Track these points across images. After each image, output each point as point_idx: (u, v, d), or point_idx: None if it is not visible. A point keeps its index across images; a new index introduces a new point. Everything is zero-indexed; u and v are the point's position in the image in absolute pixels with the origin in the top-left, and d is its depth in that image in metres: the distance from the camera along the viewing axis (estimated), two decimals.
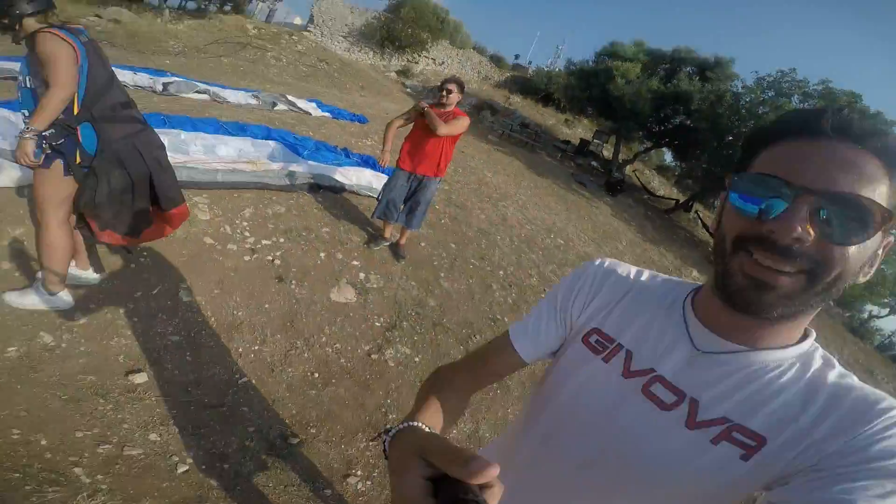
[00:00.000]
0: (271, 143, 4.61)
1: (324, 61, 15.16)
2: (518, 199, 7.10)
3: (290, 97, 7.67)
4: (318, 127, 6.48)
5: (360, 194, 4.28)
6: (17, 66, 2.67)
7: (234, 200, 3.22)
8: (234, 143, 4.33)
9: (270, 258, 2.72)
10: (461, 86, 3.07)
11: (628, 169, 16.57)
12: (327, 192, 4.05)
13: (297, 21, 23.57)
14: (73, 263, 1.94)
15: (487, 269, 3.97)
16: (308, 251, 2.96)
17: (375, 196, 3.65)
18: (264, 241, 2.87)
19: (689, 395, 0.51)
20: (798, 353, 0.50)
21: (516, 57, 26.32)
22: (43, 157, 1.65)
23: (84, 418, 1.48)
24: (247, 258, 2.65)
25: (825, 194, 0.42)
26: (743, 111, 10.56)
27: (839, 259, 0.43)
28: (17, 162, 1.63)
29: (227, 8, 16.88)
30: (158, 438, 1.52)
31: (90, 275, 2.04)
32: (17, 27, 1.60)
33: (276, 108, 6.99)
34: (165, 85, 6.12)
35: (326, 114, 7.76)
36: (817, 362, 0.50)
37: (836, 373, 0.49)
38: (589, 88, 14.92)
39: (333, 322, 2.39)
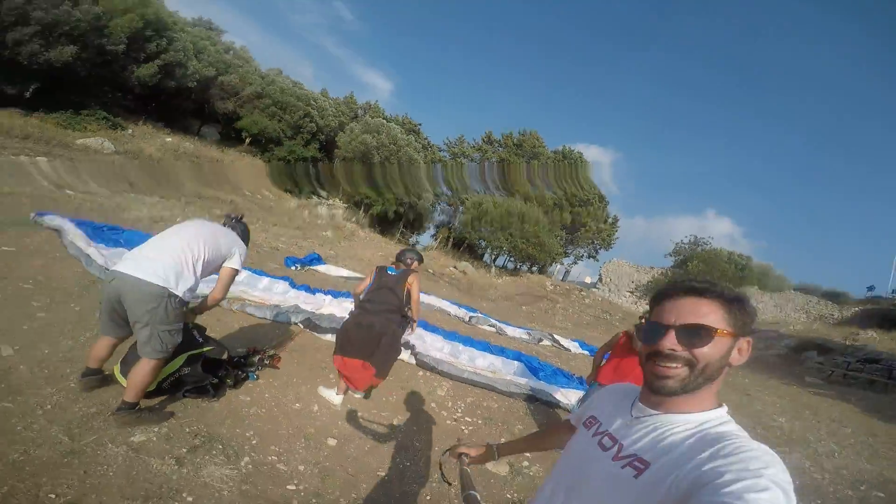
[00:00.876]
0: (516, 362, 5.84)
1: (607, 312, 16.85)
2: (817, 447, 5.53)
3: (555, 335, 9.14)
4: (568, 360, 7.37)
5: (571, 410, 4.65)
6: None
7: (464, 389, 4.41)
8: (489, 358, 5.83)
9: (464, 428, 3.55)
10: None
11: None
12: (541, 404, 4.68)
13: (588, 280, 26.83)
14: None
15: None
16: (493, 434, 3.59)
17: None
18: (467, 419, 3.77)
19: (619, 442, 0.84)
20: (701, 419, 0.79)
21: (870, 289, 20.72)
22: None
23: None
24: (449, 422, 3.59)
25: (678, 327, 0.80)
26: None
27: (699, 356, 0.78)
28: None
29: (535, 269, 22.36)
30: None
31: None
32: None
33: (541, 343, 8.49)
34: (470, 318, 8.81)
35: (586, 352, 8.64)
36: (714, 423, 0.77)
37: (725, 430, 0.75)
38: None
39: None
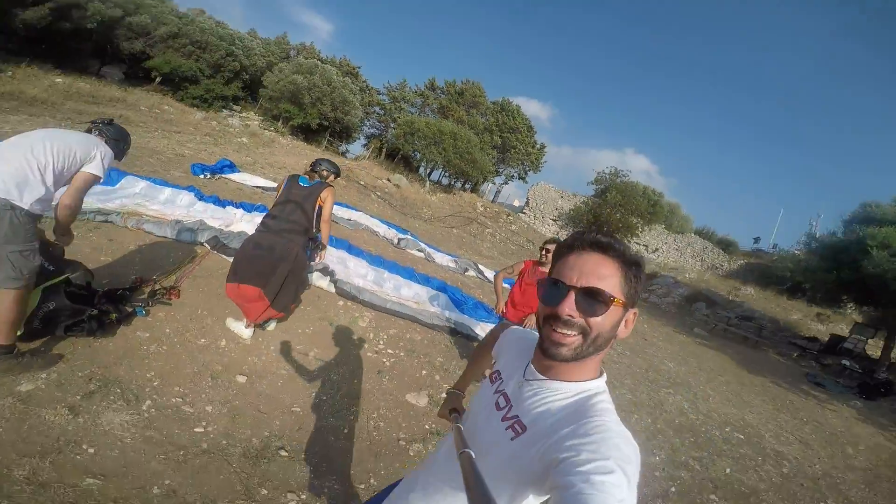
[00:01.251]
0: (441, 294, 6.03)
1: (531, 241, 17.87)
2: (697, 391, 6.56)
3: (480, 266, 9.55)
4: (490, 292, 7.80)
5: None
6: None
7: (387, 320, 4.49)
8: (415, 288, 5.93)
9: (385, 360, 3.67)
10: None
11: None
12: (463, 337, 4.96)
13: (516, 203, 28.27)
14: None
15: None
16: (415, 367, 3.76)
17: None
18: (389, 351, 3.88)
19: (510, 403, 0.89)
20: (579, 388, 0.83)
21: (755, 240, 23.67)
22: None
23: None
24: (370, 354, 3.67)
25: (579, 289, 0.80)
26: None
27: (593, 326, 0.79)
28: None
29: (468, 186, 22.74)
30: None
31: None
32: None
33: (466, 273, 8.84)
34: (399, 240, 8.77)
35: (507, 286, 9.21)
36: (589, 394, 0.82)
37: (596, 404, 0.79)
38: (837, 269, 11.61)
39: (393, 410, 3.03)
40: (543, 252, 3.58)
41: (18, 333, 2.22)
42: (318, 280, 4.69)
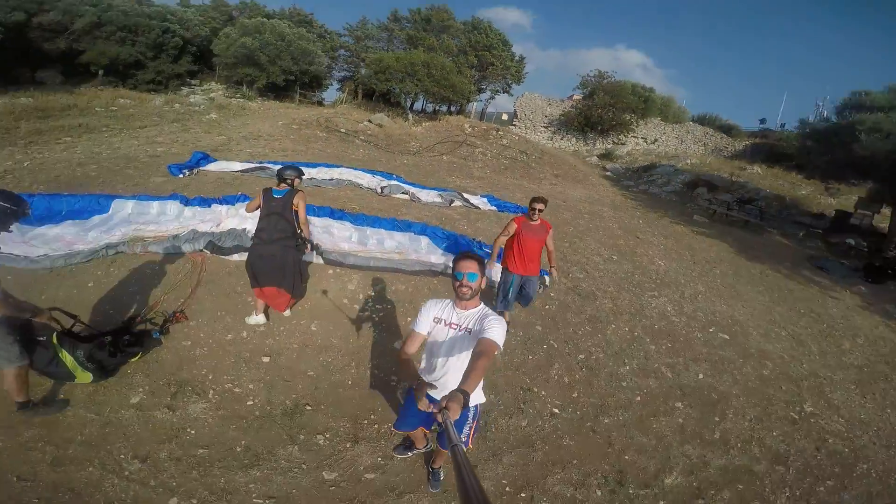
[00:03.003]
0: (422, 238, 6.94)
1: (524, 153, 18.10)
2: (685, 289, 6.96)
3: (465, 195, 10.27)
4: (476, 220, 8.63)
5: None
6: None
7: (373, 277, 5.49)
8: (398, 237, 6.82)
9: (374, 315, 4.74)
10: (546, 202, 4.47)
11: None
12: (445, 277, 5.95)
13: (504, 117, 28.61)
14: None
15: (566, 351, 4.74)
16: (401, 315, 4.82)
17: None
18: (377, 306, 4.93)
19: (458, 324, 2.27)
20: (480, 308, 2.27)
21: (761, 121, 24.05)
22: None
23: None
24: (361, 313, 4.74)
25: (465, 273, 2.21)
26: None
27: (474, 286, 2.20)
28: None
29: (454, 109, 22.74)
30: None
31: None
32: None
33: (453, 205, 9.60)
34: (382, 188, 9.50)
35: (493, 208, 9.99)
36: (486, 309, 2.26)
37: (487, 310, 2.25)
38: (830, 151, 12.76)
39: (384, 358, 4.11)
40: (532, 212, 4.39)
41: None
42: (307, 256, 5.65)
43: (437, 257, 6.28)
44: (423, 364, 2.49)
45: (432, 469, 2.93)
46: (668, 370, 4.69)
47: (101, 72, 17.65)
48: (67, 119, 11.57)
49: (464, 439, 2.39)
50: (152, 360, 3.62)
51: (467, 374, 1.74)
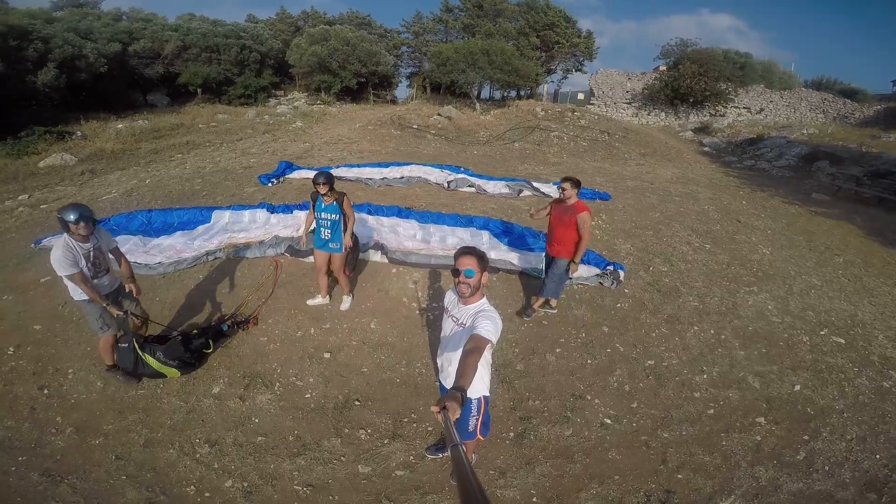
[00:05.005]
0: (484, 233, 6.97)
1: (605, 132, 17.01)
2: (794, 283, 6.04)
3: (535, 183, 9.98)
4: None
5: (530, 275, 5.92)
6: None
7: (434, 275, 5.66)
8: (459, 233, 6.93)
9: (430, 314, 4.90)
10: (576, 183, 4.39)
11: None
12: (504, 273, 5.93)
13: (581, 96, 26.59)
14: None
15: (632, 356, 4.40)
16: None
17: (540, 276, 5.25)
18: (434, 304, 5.10)
19: (458, 319, 2.37)
20: (478, 305, 2.31)
21: (894, 83, 19.89)
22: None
23: None
24: (417, 312, 4.93)
25: (461, 270, 2.27)
26: None
27: (473, 282, 2.26)
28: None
29: (524, 94, 22.12)
30: None
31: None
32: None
33: (521, 195, 9.43)
34: (449, 183, 9.65)
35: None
36: (483, 305, 2.30)
37: (485, 306, 2.28)
38: None
39: (426, 357, 4.24)
40: (562, 191, 4.38)
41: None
42: (372, 256, 6.01)
43: (496, 253, 6.27)
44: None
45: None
46: (755, 380, 4.15)
47: (198, 90, 20.18)
48: (177, 137, 13.41)
49: (471, 431, 2.44)
50: (234, 354, 4.15)
51: (460, 371, 1.80)
